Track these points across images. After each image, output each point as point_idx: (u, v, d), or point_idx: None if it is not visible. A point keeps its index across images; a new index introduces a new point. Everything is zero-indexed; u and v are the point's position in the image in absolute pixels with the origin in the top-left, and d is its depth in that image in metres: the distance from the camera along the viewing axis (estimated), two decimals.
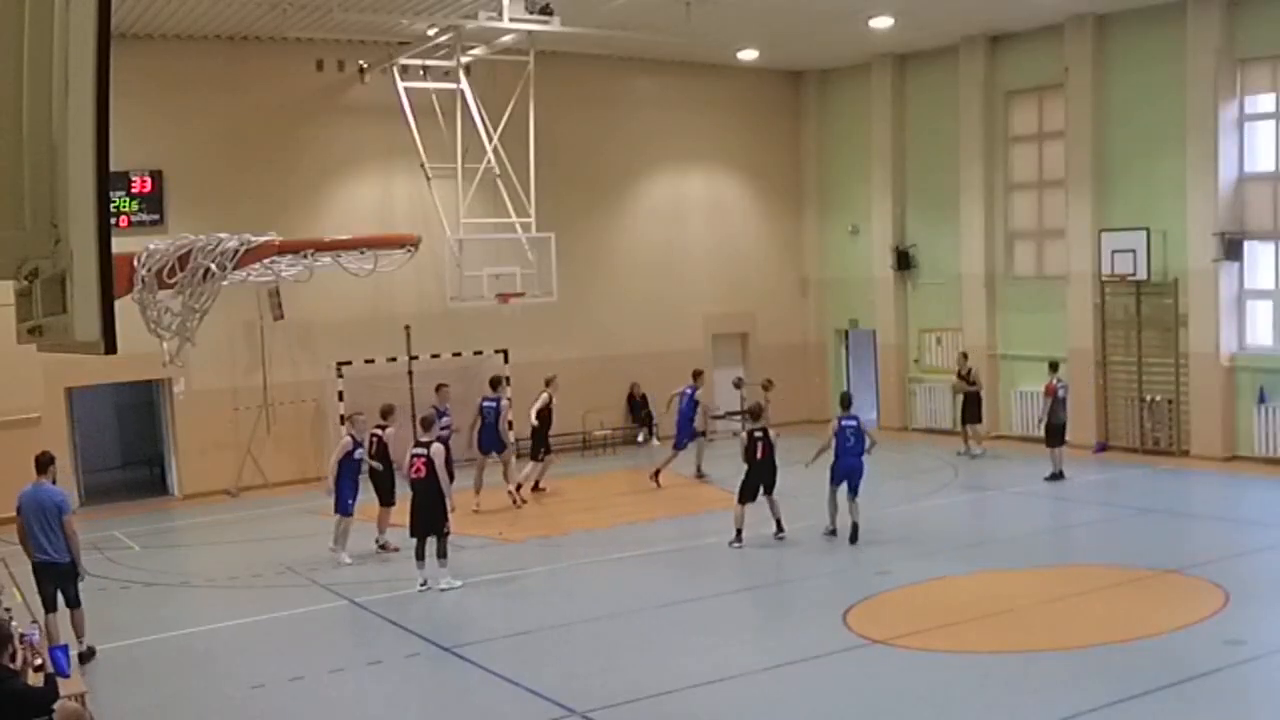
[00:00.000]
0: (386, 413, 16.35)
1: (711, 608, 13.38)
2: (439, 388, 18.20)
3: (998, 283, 23.83)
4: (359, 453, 15.54)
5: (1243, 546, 14.60)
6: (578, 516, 18.26)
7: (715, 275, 26.32)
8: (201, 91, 20.71)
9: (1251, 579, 12.98)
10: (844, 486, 15.67)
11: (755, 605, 13.83)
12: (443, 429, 15.14)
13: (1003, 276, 23.83)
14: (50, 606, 11.53)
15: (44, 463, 11.65)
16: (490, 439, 18.62)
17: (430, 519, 13.81)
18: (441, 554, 13.87)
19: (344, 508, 15.44)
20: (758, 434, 15.76)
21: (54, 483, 11.74)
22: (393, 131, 21.27)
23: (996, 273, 23.84)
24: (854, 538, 15.44)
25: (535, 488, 19.72)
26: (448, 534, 13.96)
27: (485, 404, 18.79)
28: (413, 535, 13.96)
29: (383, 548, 16.00)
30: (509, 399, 19.61)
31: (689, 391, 20.49)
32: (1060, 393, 19.30)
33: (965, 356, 22.78)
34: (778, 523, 15.79)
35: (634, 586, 14.20)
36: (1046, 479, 19.00)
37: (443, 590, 13.82)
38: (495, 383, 19.09)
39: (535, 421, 19.37)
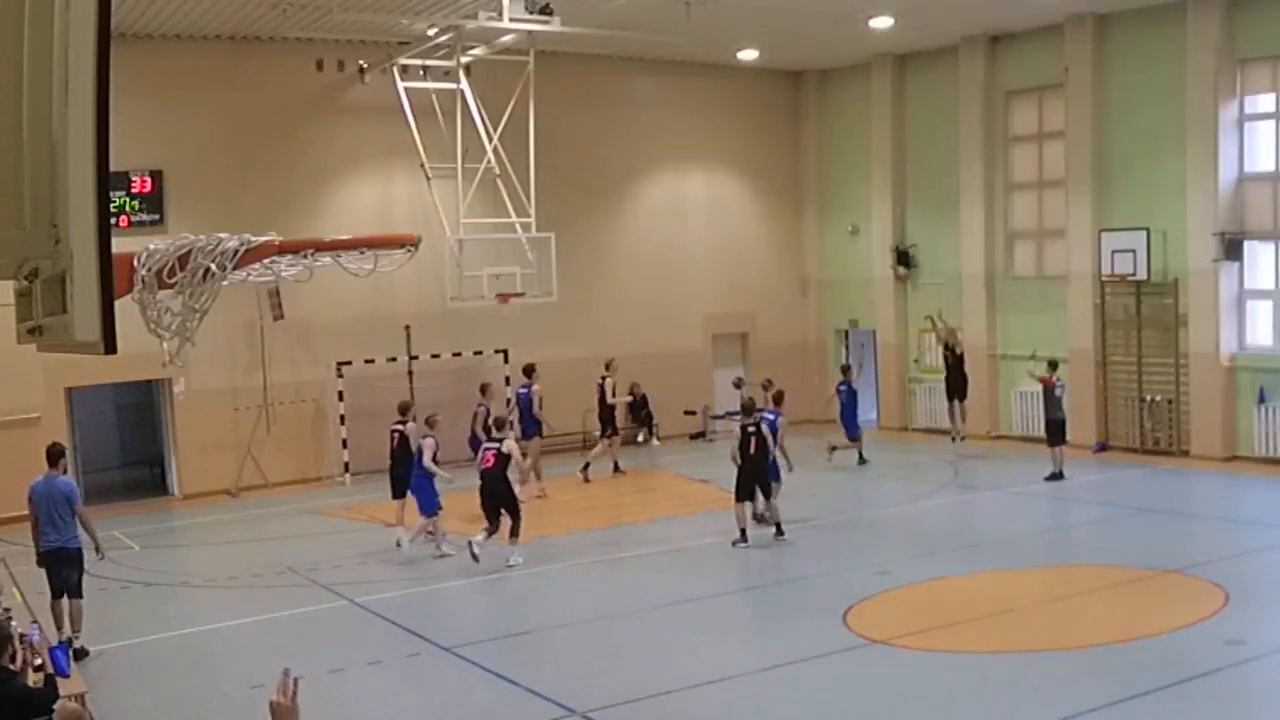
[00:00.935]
0: (405, 409, 16.90)
1: (711, 608, 13.38)
2: (484, 387, 19.33)
3: (998, 283, 23.82)
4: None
5: (1243, 546, 14.60)
6: (578, 516, 18.26)
7: (715, 275, 26.31)
8: (201, 91, 20.71)
9: (1251, 579, 12.97)
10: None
11: (755, 605, 13.82)
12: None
13: (1003, 276, 23.82)
14: (58, 594, 11.92)
15: (55, 454, 12.09)
16: (529, 425, 19.62)
17: (499, 501, 15.13)
18: (514, 533, 15.11)
19: (432, 507, 15.64)
20: (750, 429, 15.74)
21: (65, 473, 12.17)
22: (393, 131, 21.27)
23: (996, 273, 23.83)
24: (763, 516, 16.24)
25: (615, 469, 21.42)
26: (519, 516, 15.22)
27: (520, 391, 19.93)
28: (485, 513, 15.23)
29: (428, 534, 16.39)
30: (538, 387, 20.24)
31: (844, 387, 21.71)
32: (1058, 391, 19.27)
33: (954, 331, 22.57)
34: (777, 525, 15.77)
35: (634, 586, 14.21)
36: (1046, 479, 18.99)
37: (509, 565, 14.86)
38: (529, 371, 20.01)
39: (612, 401, 21.24)
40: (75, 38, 2.75)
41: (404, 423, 16.55)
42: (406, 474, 16.11)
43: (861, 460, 21.47)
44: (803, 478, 20.58)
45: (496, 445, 15.23)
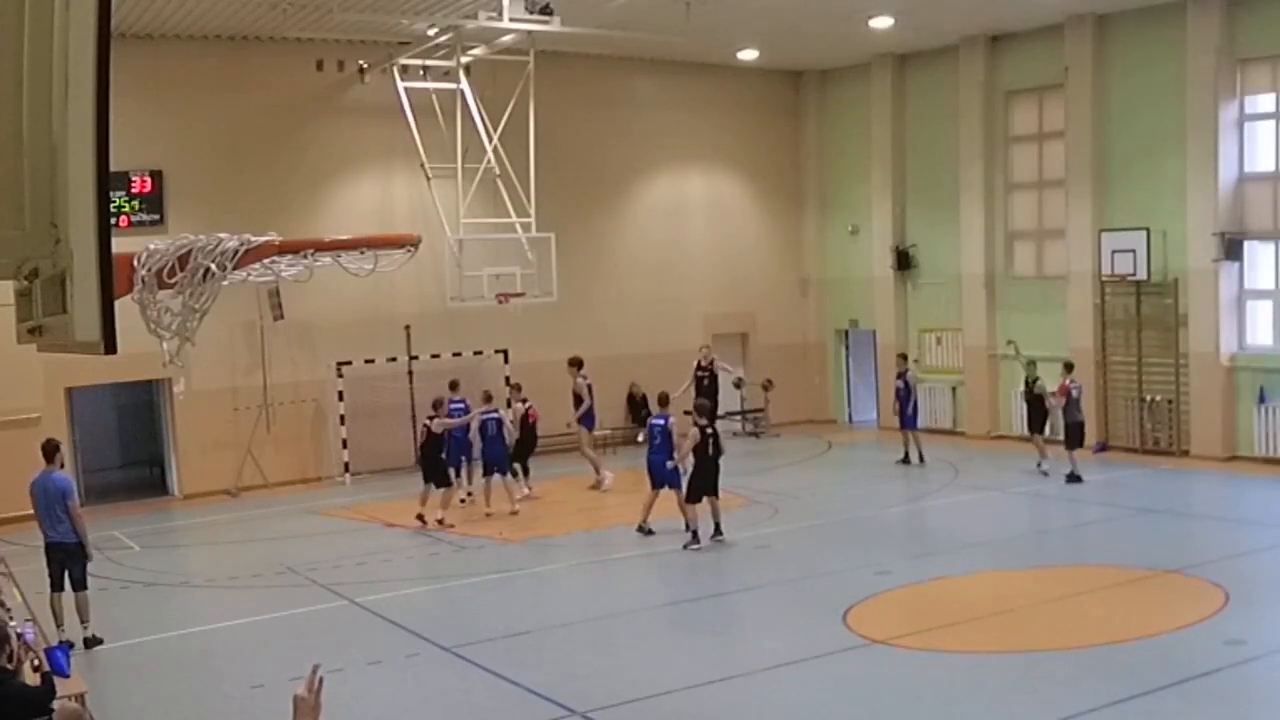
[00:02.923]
0: (438, 404, 18.11)
1: (711, 608, 13.38)
2: (453, 384, 19.77)
3: (998, 283, 23.82)
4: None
5: (1243, 546, 14.60)
6: (577, 517, 18.25)
7: (715, 275, 26.30)
8: (201, 91, 20.70)
9: (1251, 579, 12.97)
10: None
11: (755, 605, 13.79)
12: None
13: (1003, 276, 23.82)
14: (56, 586, 12.04)
15: (50, 450, 12.27)
16: (589, 415, 20.61)
17: (531, 446, 19.49)
18: (525, 473, 19.36)
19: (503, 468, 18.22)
20: (709, 430, 15.70)
21: (62, 468, 12.38)
22: (393, 131, 21.27)
23: (996, 273, 23.83)
24: (641, 530, 16.29)
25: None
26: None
27: (587, 384, 20.42)
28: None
29: (437, 524, 17.40)
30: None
31: (905, 372, 21.68)
32: (1074, 393, 19.14)
33: (1033, 364, 20.74)
34: (716, 525, 15.68)
35: (634, 586, 14.21)
36: (1067, 480, 18.73)
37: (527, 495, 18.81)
38: (581, 362, 20.51)
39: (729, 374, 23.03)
40: (75, 38, 2.75)
41: (433, 417, 17.76)
42: (436, 462, 17.66)
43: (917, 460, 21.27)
44: (803, 478, 20.63)
45: (527, 403, 19.33)
